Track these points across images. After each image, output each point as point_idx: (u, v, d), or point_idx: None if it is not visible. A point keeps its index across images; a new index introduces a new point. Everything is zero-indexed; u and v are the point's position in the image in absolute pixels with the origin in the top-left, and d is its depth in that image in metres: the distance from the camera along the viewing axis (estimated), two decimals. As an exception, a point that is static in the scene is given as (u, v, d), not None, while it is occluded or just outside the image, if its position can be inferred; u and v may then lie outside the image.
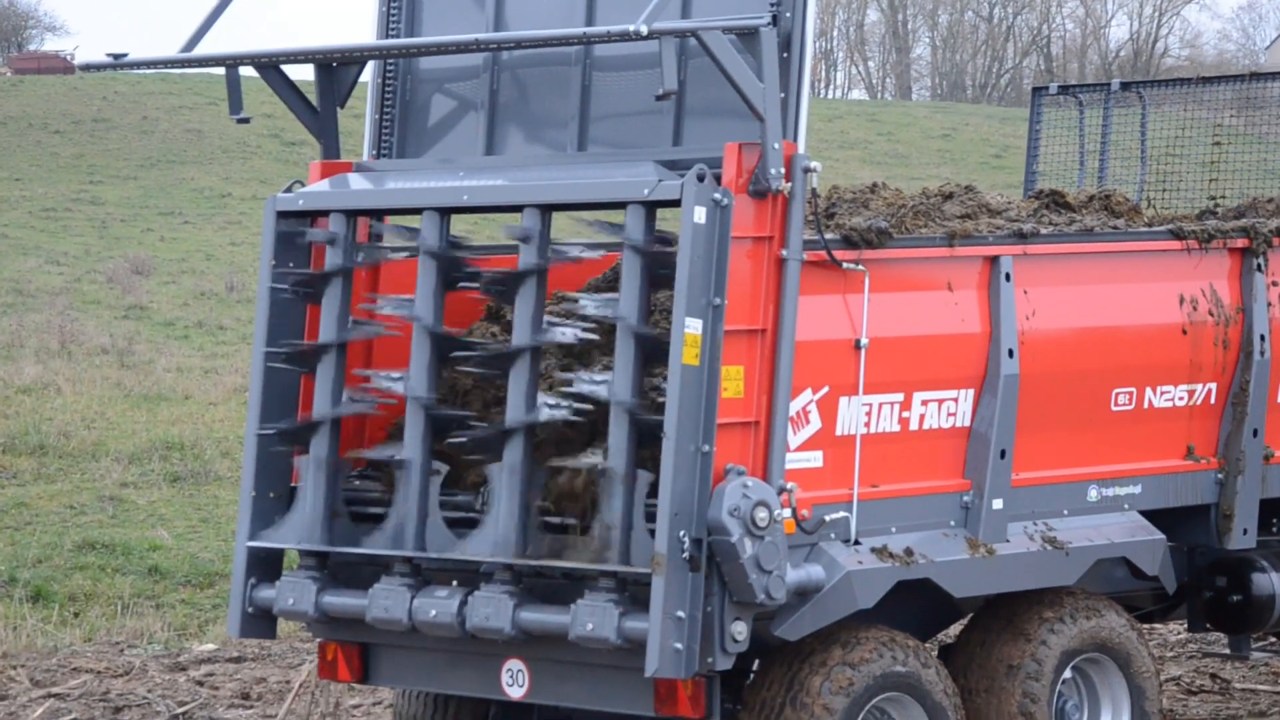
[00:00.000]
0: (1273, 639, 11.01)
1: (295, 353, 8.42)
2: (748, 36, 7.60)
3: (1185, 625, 10.51)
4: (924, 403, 8.37)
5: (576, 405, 7.79)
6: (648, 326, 7.72)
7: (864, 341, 8.11)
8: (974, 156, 46.76)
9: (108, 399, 20.56)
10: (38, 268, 29.43)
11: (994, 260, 8.58)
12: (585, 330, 7.91)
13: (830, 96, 68.57)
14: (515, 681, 8.16)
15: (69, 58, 57.95)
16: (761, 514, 7.58)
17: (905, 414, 8.31)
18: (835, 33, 73.64)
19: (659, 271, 7.72)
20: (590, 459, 7.74)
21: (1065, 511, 8.84)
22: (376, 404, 8.33)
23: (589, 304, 7.89)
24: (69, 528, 15.59)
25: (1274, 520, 9.86)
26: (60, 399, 20.34)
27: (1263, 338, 9.55)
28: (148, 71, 9.95)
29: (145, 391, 21.14)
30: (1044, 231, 8.86)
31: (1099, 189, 10.04)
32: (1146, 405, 9.20)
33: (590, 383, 7.75)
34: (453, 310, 8.32)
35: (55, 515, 15.96)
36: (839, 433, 8.08)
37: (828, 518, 7.98)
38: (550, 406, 7.84)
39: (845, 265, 8.03)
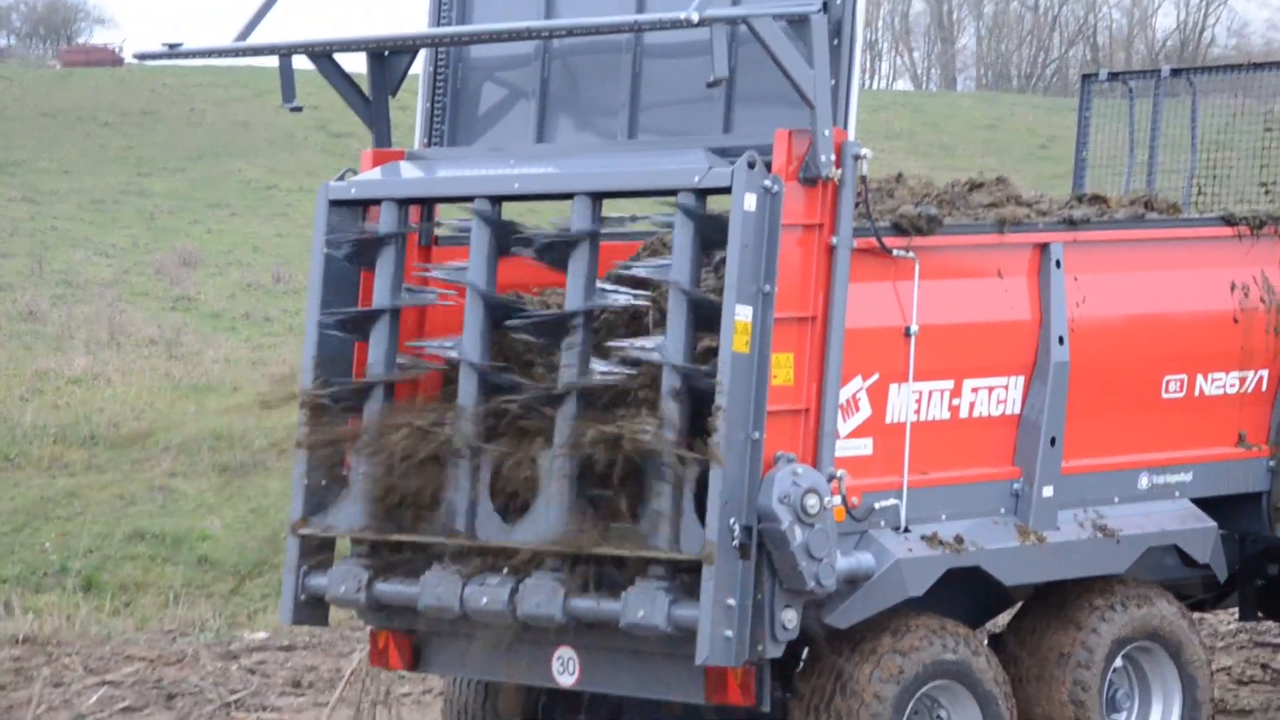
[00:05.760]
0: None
1: (348, 319, 8.45)
2: (798, 23, 7.59)
3: (1236, 614, 10.46)
4: (974, 390, 8.36)
5: (628, 371, 7.79)
6: (699, 290, 7.71)
7: (914, 329, 8.10)
8: (1019, 147, 46.50)
9: (156, 389, 20.64)
10: (87, 259, 29.50)
11: (1044, 247, 8.56)
12: (637, 295, 7.91)
13: (875, 87, 68.36)
14: (566, 669, 8.18)
15: (117, 50, 58.06)
16: (811, 501, 7.58)
17: (955, 401, 8.30)
18: (880, 23, 73.34)
19: (710, 236, 7.71)
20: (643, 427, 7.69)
21: (1116, 499, 8.82)
22: (428, 370, 8.33)
23: (641, 268, 7.89)
24: (119, 518, 15.68)
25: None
26: (110, 389, 20.42)
27: (1314, 325, 9.51)
28: (200, 62, 9.98)
29: (194, 382, 21.21)
30: (1094, 218, 8.84)
31: (1141, 192, 10.02)
32: (1198, 392, 9.17)
33: (642, 349, 7.74)
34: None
35: (106, 505, 16.05)
36: (889, 420, 8.08)
37: (878, 505, 7.98)
38: (603, 372, 7.84)
39: (895, 252, 8.03)
